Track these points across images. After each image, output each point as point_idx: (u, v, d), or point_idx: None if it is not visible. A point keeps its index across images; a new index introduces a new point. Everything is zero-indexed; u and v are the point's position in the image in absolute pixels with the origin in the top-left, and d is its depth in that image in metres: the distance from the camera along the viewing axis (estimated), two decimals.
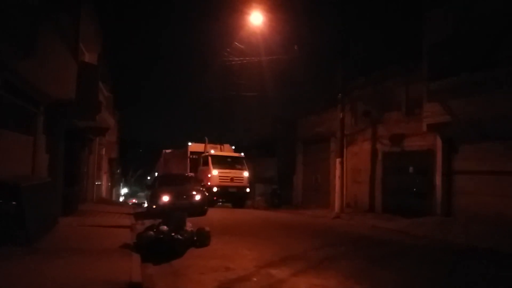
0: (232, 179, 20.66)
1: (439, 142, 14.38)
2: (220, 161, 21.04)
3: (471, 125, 13.07)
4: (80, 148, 17.04)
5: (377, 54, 19.29)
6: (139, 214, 15.67)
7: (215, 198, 20.11)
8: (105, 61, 18.36)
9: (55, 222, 9.90)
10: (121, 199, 46.55)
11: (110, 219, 12.51)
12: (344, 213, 16.55)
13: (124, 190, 54.78)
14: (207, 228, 9.31)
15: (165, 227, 8.39)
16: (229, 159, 21.72)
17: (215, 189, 19.98)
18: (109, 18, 19.32)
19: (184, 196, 15.28)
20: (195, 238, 8.83)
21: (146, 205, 23.81)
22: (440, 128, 14.03)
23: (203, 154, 22.34)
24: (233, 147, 24.98)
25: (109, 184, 32.28)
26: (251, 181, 22.01)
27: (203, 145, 23.82)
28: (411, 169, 15.96)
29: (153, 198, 15.90)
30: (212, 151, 21.99)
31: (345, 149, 18.42)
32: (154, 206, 15.33)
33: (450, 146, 14.16)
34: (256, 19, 17.02)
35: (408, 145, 16.15)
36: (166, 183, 16.70)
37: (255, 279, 6.28)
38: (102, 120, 15.96)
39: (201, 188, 16.93)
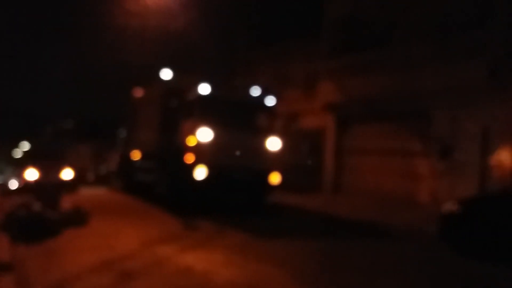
0: (244, 153, 11.36)
1: (332, 121, 15.64)
2: (221, 111, 11.30)
3: (363, 105, 14.41)
4: None
5: (280, 27, 20.00)
6: (7, 192, 14.82)
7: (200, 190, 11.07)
8: None
9: None
10: None
11: None
12: None
13: None
14: (86, 206, 9.26)
15: (37, 205, 8.22)
16: (241, 109, 11.72)
17: (201, 174, 10.78)
18: None
19: (54, 173, 14.82)
20: (72, 217, 8.73)
21: (14, 182, 22.33)
22: (334, 107, 15.25)
23: (188, 96, 11.87)
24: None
25: None
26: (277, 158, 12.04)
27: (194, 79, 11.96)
28: (304, 147, 17.18)
29: (20, 174, 15.31)
30: (205, 87, 11.15)
31: None
32: (21, 184, 14.76)
33: (342, 125, 15.51)
34: None
35: (304, 123, 17.28)
36: (35, 158, 16.09)
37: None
38: None
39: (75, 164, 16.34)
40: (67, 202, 9.41)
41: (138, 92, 16.93)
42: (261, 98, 12.12)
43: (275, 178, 11.66)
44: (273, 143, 11.75)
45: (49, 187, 11.15)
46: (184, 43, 23.04)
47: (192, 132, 11.00)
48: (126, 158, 16.81)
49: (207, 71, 22.83)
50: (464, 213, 7.67)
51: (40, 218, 7.83)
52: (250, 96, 12.06)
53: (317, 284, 5.62)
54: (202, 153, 10.90)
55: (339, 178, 15.38)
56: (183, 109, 11.90)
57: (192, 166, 10.79)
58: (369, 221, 10.59)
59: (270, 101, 12.16)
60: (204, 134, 10.93)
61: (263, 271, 5.99)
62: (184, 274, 5.59)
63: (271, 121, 12.21)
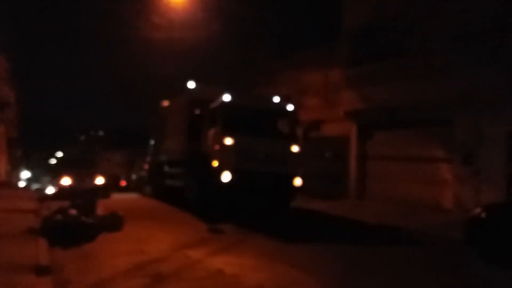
0: (266, 158, 11.45)
1: (354, 129, 15.56)
2: (243, 119, 11.47)
3: (385, 112, 14.29)
4: None
5: (300, 36, 20.03)
6: (44, 198, 15.21)
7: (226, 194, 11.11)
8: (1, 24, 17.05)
9: None
10: (23, 183, 43.86)
11: (12, 203, 12.02)
12: None
13: (26, 174, 51.42)
14: (120, 212, 9.42)
15: (74, 211, 8.41)
16: (262, 116, 11.82)
17: (226, 177, 10.90)
18: None
19: (87, 179, 15.33)
20: (106, 222, 8.90)
21: (50, 189, 22.96)
22: (356, 115, 15.17)
23: (211, 105, 12.13)
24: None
25: (9, 166, 30.36)
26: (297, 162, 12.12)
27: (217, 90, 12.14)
28: (327, 154, 17.13)
29: (55, 181, 15.90)
30: (228, 96, 11.44)
31: None
32: (56, 190, 15.29)
33: (365, 132, 15.40)
34: None
35: (326, 130, 17.24)
36: (68, 165, 16.76)
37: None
38: None
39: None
40: (101, 208, 9.64)
41: (165, 103, 17.40)
42: (281, 105, 12.40)
43: (297, 182, 11.78)
44: (294, 148, 11.87)
45: (83, 193, 11.49)
46: (207, 55, 23.33)
47: (217, 138, 11.27)
48: (155, 165, 17.14)
49: (230, 81, 23.01)
50: (489, 219, 7.52)
51: (76, 223, 8.00)
52: (272, 103, 12.40)
53: None
54: (227, 158, 11.03)
55: (363, 184, 15.26)
56: (208, 117, 12.16)
57: (217, 171, 10.95)
58: (394, 227, 10.49)
59: (291, 108, 12.38)
60: (229, 140, 11.06)
61: (291, 274, 6.01)
62: (215, 277, 5.66)
63: (292, 127, 12.34)
